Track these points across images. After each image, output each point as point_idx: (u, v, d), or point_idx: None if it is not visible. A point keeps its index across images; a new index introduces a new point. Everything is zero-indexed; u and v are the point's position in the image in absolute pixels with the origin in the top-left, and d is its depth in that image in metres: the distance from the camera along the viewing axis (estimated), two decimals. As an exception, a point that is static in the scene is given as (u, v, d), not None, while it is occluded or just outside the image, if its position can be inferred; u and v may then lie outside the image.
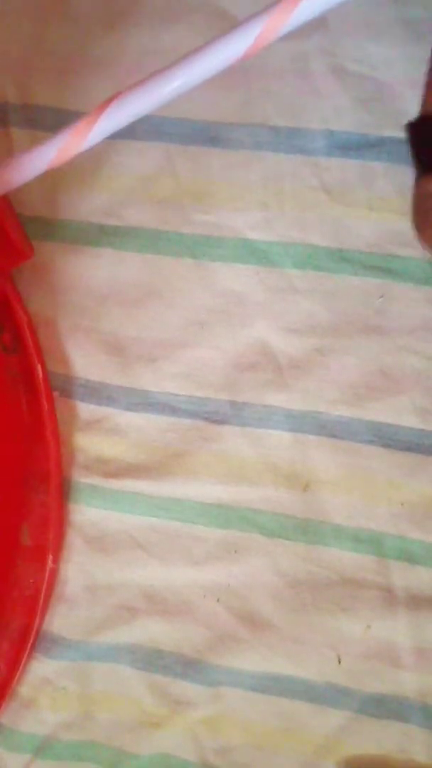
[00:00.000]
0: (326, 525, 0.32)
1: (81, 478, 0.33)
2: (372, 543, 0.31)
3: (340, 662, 0.31)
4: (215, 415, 0.33)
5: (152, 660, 0.33)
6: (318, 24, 0.31)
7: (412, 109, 0.31)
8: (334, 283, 0.32)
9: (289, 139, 0.32)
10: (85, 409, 0.34)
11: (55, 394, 0.34)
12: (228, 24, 0.32)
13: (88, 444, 0.34)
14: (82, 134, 0.24)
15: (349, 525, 0.31)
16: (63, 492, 0.33)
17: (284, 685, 0.32)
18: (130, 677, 0.33)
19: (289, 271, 0.32)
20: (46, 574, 0.33)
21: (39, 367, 0.33)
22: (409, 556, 0.31)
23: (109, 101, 0.24)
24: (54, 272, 0.34)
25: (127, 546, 0.33)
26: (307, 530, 0.32)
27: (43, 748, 0.33)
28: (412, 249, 0.31)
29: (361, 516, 0.31)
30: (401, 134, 0.31)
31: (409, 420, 0.31)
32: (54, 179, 0.33)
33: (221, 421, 0.33)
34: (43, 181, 0.33)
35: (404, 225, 0.31)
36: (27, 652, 0.33)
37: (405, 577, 0.31)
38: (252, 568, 0.32)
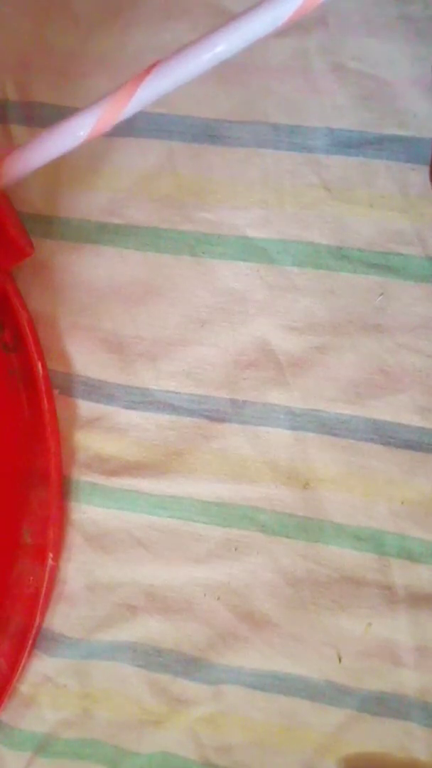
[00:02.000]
0: (326, 523, 0.32)
1: (81, 477, 0.33)
2: (372, 541, 0.31)
3: (340, 660, 0.31)
4: (215, 413, 0.33)
5: (152, 658, 0.33)
6: (318, 21, 0.31)
7: (413, 107, 0.31)
8: (334, 281, 0.32)
9: (289, 137, 0.32)
10: (86, 407, 0.34)
11: (56, 392, 0.34)
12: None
13: (88, 442, 0.34)
14: (122, 103, 0.24)
15: (350, 523, 0.31)
16: (63, 490, 0.33)
17: (285, 683, 0.32)
18: (131, 675, 0.33)
19: (289, 268, 0.32)
20: (47, 573, 0.33)
21: (39, 365, 0.33)
22: (410, 554, 0.31)
23: (149, 69, 0.23)
24: (54, 270, 0.34)
25: (127, 544, 0.33)
26: (308, 528, 0.32)
27: (43, 746, 0.33)
28: (412, 247, 0.31)
29: (361, 514, 0.31)
30: (402, 132, 0.31)
31: (410, 418, 0.31)
32: (54, 177, 0.33)
33: (221, 419, 0.33)
34: (44, 179, 0.33)
35: (405, 223, 0.31)
36: (27, 650, 0.33)
37: (405, 575, 0.31)
38: (252, 566, 0.32)
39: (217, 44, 0.23)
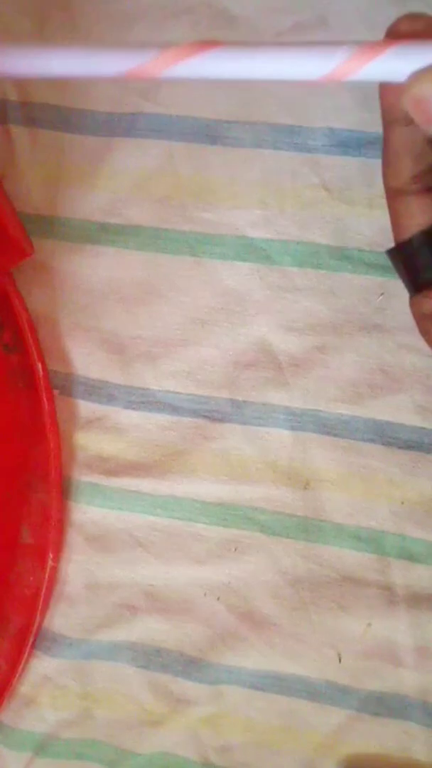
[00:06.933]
0: (327, 523, 0.32)
1: (81, 477, 0.33)
2: (372, 541, 0.31)
3: (340, 660, 0.31)
4: (215, 414, 0.33)
5: (153, 658, 0.33)
6: (318, 21, 0.31)
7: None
8: (334, 281, 0.32)
9: (289, 137, 0.32)
10: (86, 408, 0.34)
11: (56, 392, 0.34)
12: (228, 22, 0.32)
13: (88, 442, 0.34)
14: (162, 65, 0.22)
15: (350, 523, 0.31)
16: (63, 490, 0.33)
17: (285, 683, 0.32)
18: (131, 676, 0.33)
19: (289, 269, 0.32)
20: (47, 573, 0.33)
21: (39, 366, 0.33)
22: (410, 554, 0.31)
23: (208, 46, 0.22)
24: (54, 270, 0.34)
25: (127, 544, 0.33)
26: (308, 528, 0.32)
27: (43, 746, 0.33)
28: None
29: (361, 514, 0.31)
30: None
31: (409, 418, 0.31)
32: (55, 177, 0.33)
33: (221, 420, 0.33)
34: (44, 179, 0.33)
35: (405, 223, 0.31)
36: (27, 650, 0.33)
37: (405, 575, 0.31)
38: (252, 566, 0.32)
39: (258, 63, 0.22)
